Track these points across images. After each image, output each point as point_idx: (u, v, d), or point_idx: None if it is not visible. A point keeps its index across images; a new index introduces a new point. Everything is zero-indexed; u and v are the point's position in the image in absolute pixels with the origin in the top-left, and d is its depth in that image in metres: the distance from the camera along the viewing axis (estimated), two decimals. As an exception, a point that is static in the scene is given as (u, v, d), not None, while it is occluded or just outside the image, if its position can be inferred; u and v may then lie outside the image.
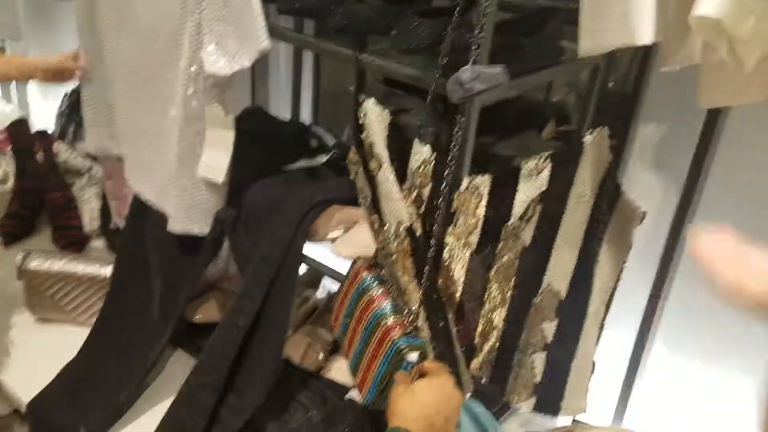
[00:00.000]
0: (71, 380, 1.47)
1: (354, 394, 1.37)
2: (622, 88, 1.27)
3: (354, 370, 1.02)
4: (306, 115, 1.74)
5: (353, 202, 1.29)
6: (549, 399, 1.05)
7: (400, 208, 0.89)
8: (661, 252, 1.20)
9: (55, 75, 1.37)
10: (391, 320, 0.94)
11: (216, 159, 1.20)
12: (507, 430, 1.36)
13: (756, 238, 1.15)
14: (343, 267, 1.32)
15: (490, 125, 0.98)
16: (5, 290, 1.65)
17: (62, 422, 1.38)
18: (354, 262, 1.11)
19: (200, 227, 1.28)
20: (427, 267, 0.90)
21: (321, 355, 1.53)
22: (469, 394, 1.03)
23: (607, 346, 1.07)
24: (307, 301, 1.72)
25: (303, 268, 1.69)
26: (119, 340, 1.48)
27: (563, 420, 1.36)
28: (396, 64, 0.99)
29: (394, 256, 0.93)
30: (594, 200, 0.93)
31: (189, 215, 1.27)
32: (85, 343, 1.51)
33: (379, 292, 1.00)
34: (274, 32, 1.07)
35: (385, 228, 0.92)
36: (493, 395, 1.43)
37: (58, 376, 1.47)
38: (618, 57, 1.22)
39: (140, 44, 1.22)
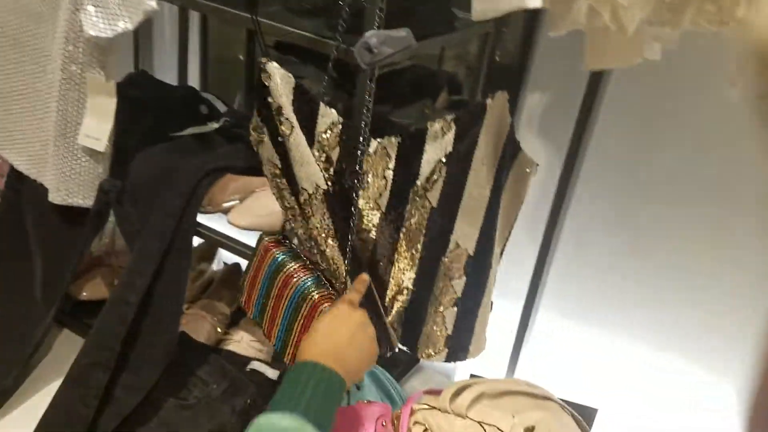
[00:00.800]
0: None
1: (256, 365, 1.36)
2: (510, 59, 1.31)
3: (281, 347, 1.01)
4: (194, 82, 1.67)
5: (248, 171, 1.26)
6: (458, 348, 1.09)
7: (315, 172, 0.88)
8: (547, 216, 1.28)
9: None
10: (316, 294, 0.94)
11: (96, 127, 1.13)
12: (408, 389, 1.41)
13: (635, 197, 1.24)
14: (241, 237, 1.30)
15: (385, 94, 0.99)
16: None
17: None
18: (260, 240, 1.09)
19: (83, 199, 1.21)
20: (350, 234, 0.90)
21: (219, 329, 1.50)
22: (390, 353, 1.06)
23: (499, 301, 1.13)
24: (203, 274, 1.68)
25: (197, 241, 1.64)
26: (0, 322, 1.38)
27: (461, 374, 1.43)
28: (294, 27, 0.97)
29: (315, 221, 0.92)
30: (497, 159, 0.96)
31: (70, 186, 1.19)
32: (-41, 328, 1.40)
33: (296, 267, 0.99)
34: (158, -8, 1.02)
35: (303, 193, 0.91)
36: (398, 356, 1.48)
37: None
38: (507, 25, 1.26)
39: (12, 4, 1.12)
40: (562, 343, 1.43)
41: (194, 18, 1.59)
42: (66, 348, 1.45)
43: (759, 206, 1.11)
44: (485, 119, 0.91)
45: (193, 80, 1.66)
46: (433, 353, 1.07)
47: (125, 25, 1.00)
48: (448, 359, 1.10)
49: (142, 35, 1.56)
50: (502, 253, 1.10)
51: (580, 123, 1.17)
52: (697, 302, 1.26)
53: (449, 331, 1.08)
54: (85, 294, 1.51)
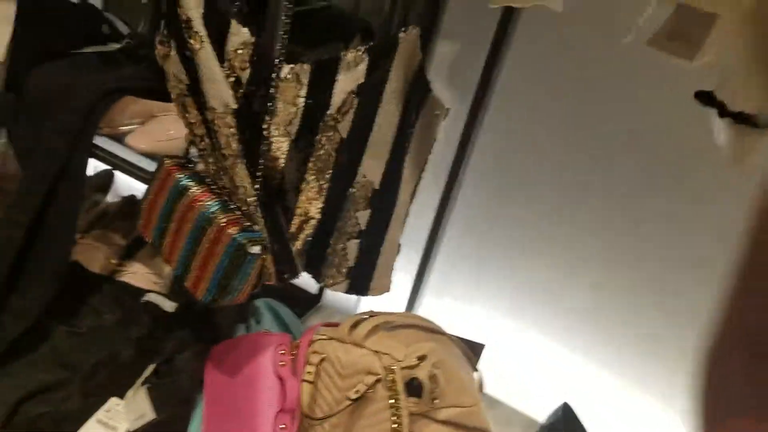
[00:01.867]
0: None
1: (152, 297, 1.34)
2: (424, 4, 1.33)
3: (182, 272, 1.00)
4: (96, 2, 1.58)
5: (150, 94, 1.22)
6: (360, 281, 1.12)
7: (224, 90, 0.86)
8: (452, 159, 1.32)
9: None
10: (223, 218, 0.93)
11: (-12, 33, 1.06)
12: (308, 325, 1.43)
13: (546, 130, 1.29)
14: (138, 162, 1.26)
15: (298, 33, 0.98)
16: None
17: None
18: (161, 163, 1.06)
19: (-31, 112, 1.13)
20: (261, 159, 0.89)
21: (113, 260, 1.46)
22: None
23: (405, 235, 1.16)
24: (97, 205, 1.62)
25: (92, 168, 1.58)
26: None
27: (363, 308, 1.47)
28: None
29: (222, 141, 0.90)
30: (406, 95, 0.98)
31: (-46, 97, 1.11)
32: None
33: (200, 191, 0.97)
34: None
35: (212, 111, 0.88)
36: (299, 295, 1.49)
37: None
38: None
39: None
40: (458, 287, 1.50)
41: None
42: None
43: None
44: (397, 53, 0.93)
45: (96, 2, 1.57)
46: (333, 282, 1.09)
47: None
48: (349, 291, 1.13)
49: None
50: (412, 198, 1.13)
51: (487, 69, 1.21)
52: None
53: (351, 263, 1.10)
54: (-32, 218, 1.42)
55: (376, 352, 1.02)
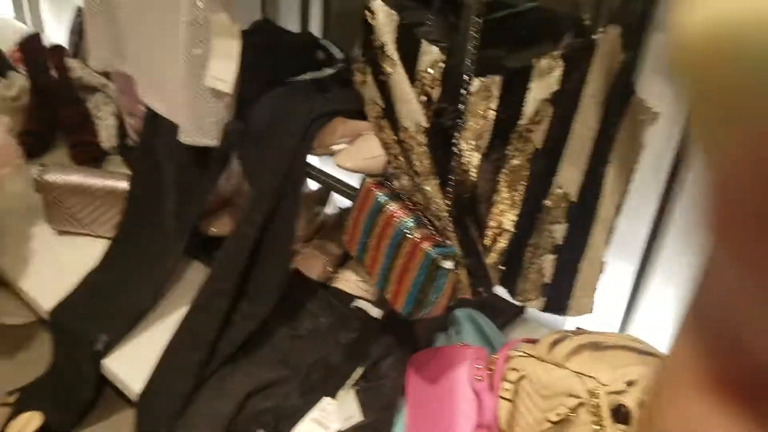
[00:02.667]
0: (91, 290, 1.53)
1: (361, 303, 1.42)
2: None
3: (383, 285, 1.05)
4: (315, 30, 1.72)
5: (358, 115, 1.30)
6: (557, 299, 1.07)
7: (416, 110, 0.89)
8: (668, 167, 1.20)
9: None
10: (417, 234, 0.97)
11: (223, 69, 1.20)
12: (509, 337, 1.41)
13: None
14: (349, 180, 1.34)
15: (502, 37, 0.97)
16: (24, 203, 1.69)
17: (83, 329, 1.45)
18: (362, 182, 1.12)
19: (210, 139, 1.30)
20: (452, 175, 0.91)
21: (329, 268, 1.57)
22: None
23: (615, 254, 1.09)
24: (317, 216, 1.76)
25: (313, 186, 1.72)
26: (136, 252, 1.53)
27: (570, 324, 1.41)
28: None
29: (415, 159, 0.93)
30: (606, 101, 0.92)
31: (198, 126, 1.28)
32: (105, 254, 1.57)
33: (396, 207, 1.02)
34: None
35: (405, 131, 0.92)
36: (502, 306, 1.47)
37: (79, 286, 1.53)
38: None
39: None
40: (676, 306, 1.36)
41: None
42: (196, 278, 1.58)
43: None
44: (595, 56, 0.87)
45: (315, 28, 1.71)
46: (528, 298, 1.06)
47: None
48: (546, 309, 1.09)
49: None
50: (618, 211, 1.06)
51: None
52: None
53: (546, 279, 1.06)
54: (213, 230, 1.63)
55: (579, 373, 0.97)
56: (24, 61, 1.86)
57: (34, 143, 1.84)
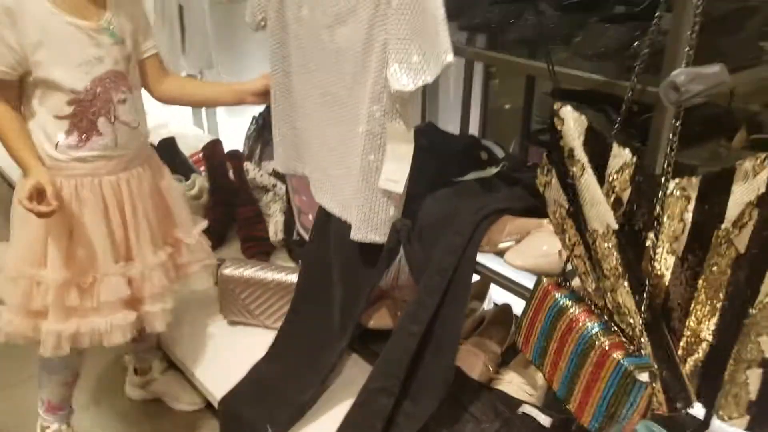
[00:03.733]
0: (259, 379, 1.59)
1: (528, 409, 1.35)
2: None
3: (566, 394, 1.00)
4: (474, 130, 1.77)
5: (525, 212, 1.29)
6: (765, 419, 0.97)
7: (605, 212, 0.86)
8: None
9: (261, 96, 1.49)
10: (606, 341, 0.92)
11: (395, 171, 1.26)
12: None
13: None
14: (515, 276, 1.32)
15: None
16: (202, 295, 1.82)
17: (251, 418, 1.50)
18: (539, 281, 1.10)
19: (379, 236, 1.34)
20: (646, 279, 0.87)
21: (490, 367, 1.53)
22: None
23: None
24: (474, 312, 1.74)
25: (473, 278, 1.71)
26: (303, 344, 1.58)
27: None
28: (586, 72, 0.98)
29: (604, 263, 0.90)
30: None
31: (369, 225, 1.33)
32: (272, 345, 1.63)
33: (579, 311, 0.97)
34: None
35: (593, 234, 0.90)
36: (682, 419, 1.35)
37: (248, 375, 1.60)
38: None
39: (328, 69, 1.32)
40: None
41: (477, 71, 1.69)
42: (354, 371, 1.60)
43: None
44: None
45: (474, 129, 1.76)
46: (730, 416, 0.96)
47: (426, 78, 1.11)
48: (750, 427, 0.98)
49: (429, 90, 1.70)
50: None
51: None
52: None
53: (752, 396, 0.96)
54: (372, 323, 1.66)
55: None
56: (206, 163, 2.06)
57: (212, 239, 1.99)
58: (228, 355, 1.68)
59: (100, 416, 1.63)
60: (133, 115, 1.37)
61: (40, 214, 1.22)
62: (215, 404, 1.58)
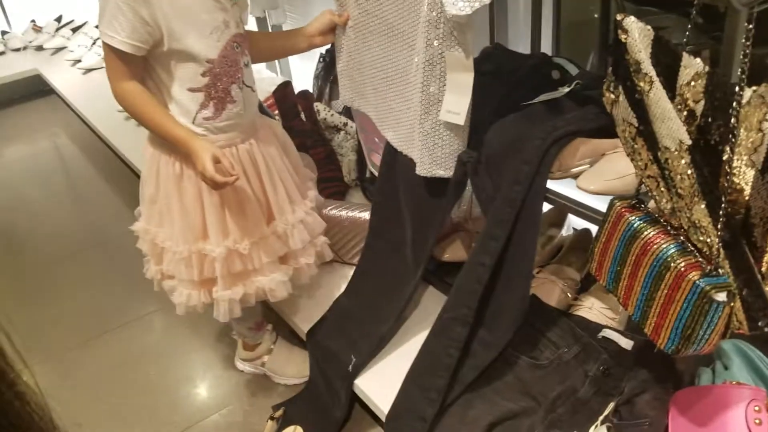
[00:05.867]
0: (341, 313, 1.65)
1: (609, 333, 1.33)
2: None
3: (640, 318, 0.98)
4: (546, 49, 1.68)
5: (598, 133, 1.23)
6: None
7: (678, 127, 0.81)
8: None
9: (328, 35, 1.45)
10: (682, 262, 0.88)
11: (456, 102, 1.22)
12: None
13: None
14: (590, 202, 1.28)
15: (758, 36, 0.85)
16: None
17: (335, 349, 1.56)
18: (611, 205, 1.05)
19: (444, 170, 1.33)
20: (723, 195, 0.81)
21: (569, 294, 1.50)
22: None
23: None
24: (552, 240, 1.70)
25: (546, 207, 1.67)
26: (379, 278, 1.61)
27: None
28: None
29: (678, 181, 0.85)
30: None
31: (433, 159, 1.32)
32: (351, 280, 1.68)
33: (654, 233, 0.93)
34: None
35: (665, 151, 0.84)
36: (766, 339, 1.29)
37: (330, 308, 1.66)
38: None
39: (383, -2, 1.28)
40: None
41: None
42: (431, 303, 1.62)
43: None
44: None
45: (546, 47, 1.67)
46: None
47: (482, 0, 1.06)
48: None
49: (497, 8, 1.62)
50: None
51: None
52: None
53: None
54: (446, 256, 1.67)
55: None
56: (278, 107, 2.08)
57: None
58: (312, 290, 1.74)
59: (211, 389, 1.72)
60: (253, 77, 1.36)
61: (224, 185, 1.22)
62: (303, 337, 1.65)
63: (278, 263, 1.45)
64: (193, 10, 1.22)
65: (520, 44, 1.69)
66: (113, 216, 2.53)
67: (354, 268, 1.70)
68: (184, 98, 1.27)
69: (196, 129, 1.29)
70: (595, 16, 1.59)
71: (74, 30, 3.92)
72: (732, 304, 0.83)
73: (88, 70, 3.51)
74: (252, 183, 1.38)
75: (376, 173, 1.74)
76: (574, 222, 1.73)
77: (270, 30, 2.65)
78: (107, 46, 1.21)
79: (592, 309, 1.43)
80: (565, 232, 1.73)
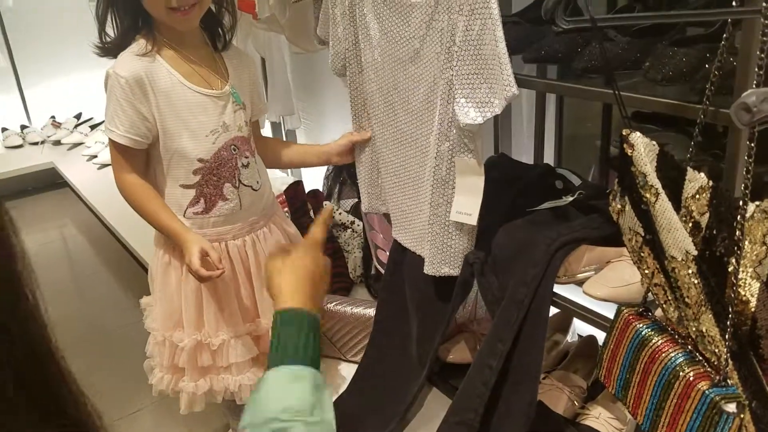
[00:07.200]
0: (342, 412, 1.59)
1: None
2: None
3: (651, 428, 0.96)
4: (549, 160, 1.75)
5: (603, 241, 1.26)
6: None
7: (684, 237, 0.84)
8: None
9: (346, 155, 1.51)
10: (690, 372, 0.88)
11: (467, 204, 1.27)
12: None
13: None
14: (596, 308, 1.29)
15: (759, 154, 0.90)
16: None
17: (335, 451, 1.52)
18: (618, 312, 1.07)
19: (452, 269, 1.35)
20: (730, 306, 0.83)
21: (575, 402, 1.48)
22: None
23: None
24: (558, 345, 1.70)
25: (552, 311, 1.67)
26: (383, 377, 1.59)
27: None
28: (656, 96, 0.97)
29: (685, 291, 0.88)
30: None
31: (442, 258, 1.34)
32: (353, 378, 1.65)
33: (662, 341, 0.94)
34: (518, 81, 1.12)
35: (672, 261, 0.87)
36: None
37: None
38: None
39: (400, 109, 1.35)
40: None
41: (550, 101, 1.69)
42: (435, 405, 1.59)
43: None
44: None
45: (548, 158, 1.74)
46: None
47: (494, 110, 1.12)
48: None
49: (502, 119, 1.70)
50: None
51: None
52: None
53: None
54: (451, 357, 1.65)
55: None
56: (288, 205, 2.13)
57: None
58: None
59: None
60: (256, 178, 1.39)
61: (208, 279, 1.25)
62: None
63: (250, 364, 1.44)
64: (193, 112, 1.28)
65: (523, 155, 1.76)
66: (114, 307, 2.52)
67: (356, 366, 1.68)
68: (177, 193, 1.33)
69: (186, 221, 1.33)
70: (597, 142, 1.66)
71: (92, 127, 4.01)
72: (742, 415, 0.83)
73: (103, 166, 3.55)
74: (239, 279, 1.39)
75: (382, 271, 1.76)
76: (579, 328, 1.73)
77: (284, 135, 2.75)
78: (110, 140, 1.28)
79: (600, 419, 1.41)
80: (570, 338, 1.73)
